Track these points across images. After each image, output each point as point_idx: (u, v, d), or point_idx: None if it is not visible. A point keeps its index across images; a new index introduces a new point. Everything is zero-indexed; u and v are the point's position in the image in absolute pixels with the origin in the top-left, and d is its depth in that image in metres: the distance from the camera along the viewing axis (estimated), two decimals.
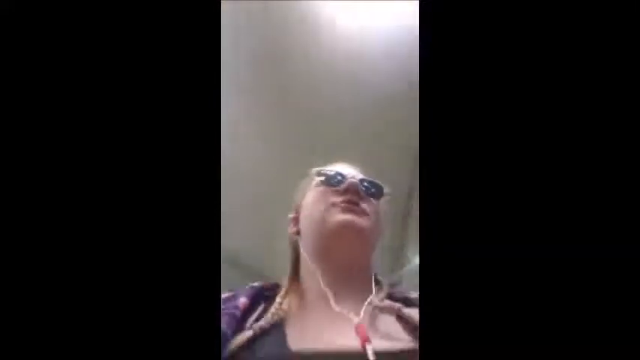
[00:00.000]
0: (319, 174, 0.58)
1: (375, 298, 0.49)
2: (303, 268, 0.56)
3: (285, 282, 0.55)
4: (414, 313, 0.44)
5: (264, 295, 0.52)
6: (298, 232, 0.58)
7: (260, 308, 0.49)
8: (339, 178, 0.56)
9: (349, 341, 0.40)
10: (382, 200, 0.58)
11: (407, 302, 0.48)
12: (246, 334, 0.42)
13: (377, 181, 0.59)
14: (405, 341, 0.42)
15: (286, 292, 0.52)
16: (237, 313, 0.45)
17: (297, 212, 0.60)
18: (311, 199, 0.57)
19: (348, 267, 0.52)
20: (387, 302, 0.47)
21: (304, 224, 0.57)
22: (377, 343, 0.39)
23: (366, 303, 0.47)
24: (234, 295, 0.50)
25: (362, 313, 0.44)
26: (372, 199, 0.56)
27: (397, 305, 0.46)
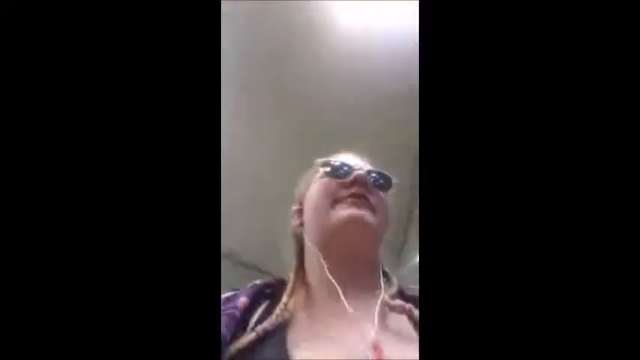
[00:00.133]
0: (325, 164, 0.55)
1: (386, 295, 0.47)
2: (308, 261, 0.54)
3: (291, 276, 0.53)
4: None
5: (265, 293, 0.51)
6: (302, 224, 0.56)
7: (261, 308, 0.48)
8: (346, 169, 0.53)
9: (356, 348, 0.38)
10: (390, 192, 0.56)
11: (415, 302, 0.46)
12: (249, 337, 0.41)
13: (385, 172, 0.56)
14: (415, 341, 0.40)
15: (292, 290, 0.50)
16: (237, 313, 0.44)
17: (301, 204, 0.58)
18: (316, 191, 0.54)
19: (355, 262, 0.51)
20: (399, 302, 0.45)
21: (309, 217, 0.54)
22: (387, 349, 0.38)
23: (379, 302, 0.45)
24: (235, 294, 0.49)
25: (376, 320, 0.41)
26: (380, 191, 0.53)
27: (408, 306, 0.44)
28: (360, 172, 0.52)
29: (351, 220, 0.49)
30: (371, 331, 0.40)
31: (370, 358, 0.37)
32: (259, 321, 0.45)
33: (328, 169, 0.54)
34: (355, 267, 0.51)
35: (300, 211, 0.58)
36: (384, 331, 0.42)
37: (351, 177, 0.51)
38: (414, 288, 0.52)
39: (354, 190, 0.51)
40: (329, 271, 0.49)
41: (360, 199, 0.50)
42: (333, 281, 0.47)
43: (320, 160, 0.57)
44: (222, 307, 0.45)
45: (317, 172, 0.57)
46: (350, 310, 0.43)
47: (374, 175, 0.54)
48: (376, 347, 0.38)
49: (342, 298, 0.44)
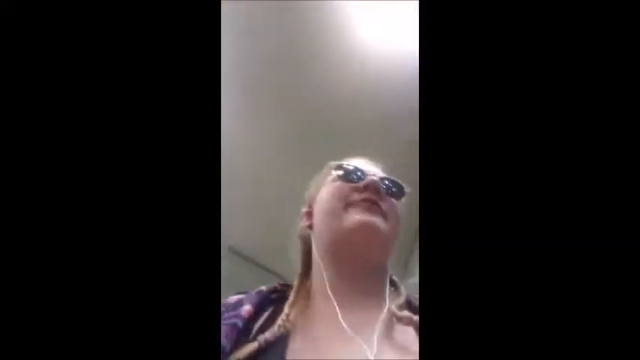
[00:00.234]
0: (337, 168, 0.54)
1: (393, 305, 0.46)
2: (314, 265, 0.53)
3: (295, 283, 0.52)
4: None
5: (270, 299, 0.50)
6: (311, 227, 0.55)
7: (266, 314, 0.47)
8: (359, 174, 0.52)
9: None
10: (402, 200, 0.54)
11: None
12: (250, 347, 0.40)
13: (398, 180, 0.55)
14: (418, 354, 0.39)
15: (295, 298, 0.48)
16: (240, 323, 0.43)
17: (311, 206, 0.57)
18: (327, 194, 0.53)
19: (363, 268, 0.50)
20: (406, 313, 0.44)
21: (318, 220, 0.53)
22: None
23: (382, 315, 0.44)
24: (240, 300, 0.48)
25: (374, 341, 0.40)
26: (392, 198, 0.52)
27: (416, 318, 0.43)
28: (374, 177, 0.51)
29: (363, 226, 0.48)
30: (371, 349, 0.39)
31: None
32: (262, 329, 0.44)
33: (341, 172, 0.53)
34: (363, 274, 0.50)
35: (309, 214, 0.57)
36: (388, 345, 0.41)
37: (364, 182, 0.51)
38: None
39: (366, 195, 0.50)
40: (335, 278, 0.48)
41: (372, 205, 0.49)
42: (333, 299, 0.46)
43: (333, 163, 0.56)
44: (226, 315, 0.44)
45: (329, 174, 0.56)
46: (349, 332, 0.41)
47: (387, 182, 0.53)
48: None
49: (342, 321, 0.43)
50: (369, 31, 1.52)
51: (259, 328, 0.44)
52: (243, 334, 0.42)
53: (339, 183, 0.52)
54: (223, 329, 0.41)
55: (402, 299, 0.48)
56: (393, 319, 0.44)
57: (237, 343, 0.41)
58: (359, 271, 0.49)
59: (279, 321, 0.43)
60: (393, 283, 0.53)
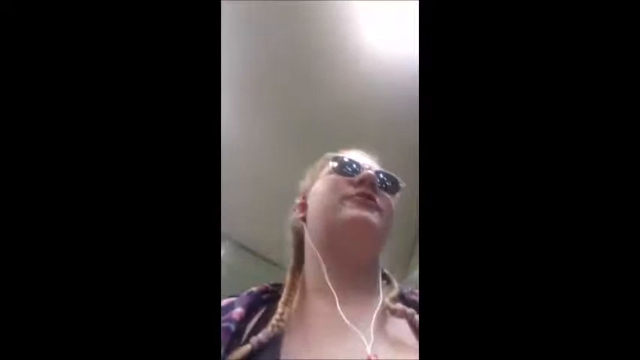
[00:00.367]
0: (333, 160, 0.53)
1: (387, 298, 0.46)
2: (307, 258, 0.53)
3: (287, 279, 0.52)
4: None
5: (261, 300, 0.49)
6: (304, 219, 0.54)
7: (258, 315, 0.46)
8: (355, 167, 0.51)
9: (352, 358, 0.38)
10: (397, 195, 0.54)
11: (416, 306, 0.45)
12: (243, 349, 0.39)
13: (393, 174, 0.54)
14: (414, 348, 0.39)
15: (288, 296, 0.48)
16: (232, 327, 0.43)
17: (305, 198, 0.56)
18: (322, 187, 0.52)
19: (356, 264, 0.50)
20: (400, 306, 0.44)
21: (312, 212, 0.53)
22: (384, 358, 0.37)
23: (377, 308, 0.44)
24: (231, 303, 0.47)
25: (372, 330, 0.41)
26: (386, 193, 0.52)
27: (410, 311, 0.43)
28: (369, 171, 0.51)
29: (357, 221, 0.48)
30: (367, 343, 0.39)
31: None
32: (255, 330, 0.43)
33: (336, 164, 0.52)
34: (356, 268, 0.50)
35: (303, 205, 0.56)
36: (382, 338, 0.41)
37: (360, 176, 0.50)
38: (415, 292, 0.51)
39: (361, 189, 0.49)
40: (328, 274, 0.47)
41: (366, 200, 0.49)
42: (331, 288, 0.45)
43: (329, 155, 0.55)
44: None
45: (324, 166, 0.55)
46: (347, 322, 0.42)
47: (382, 176, 0.53)
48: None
49: (339, 309, 0.43)
50: (370, 31, 1.52)
51: (252, 330, 0.44)
52: (236, 338, 0.42)
53: (334, 176, 0.52)
54: None
55: (395, 292, 0.49)
56: (387, 313, 0.44)
57: (230, 347, 0.40)
58: (351, 266, 0.49)
59: (273, 321, 0.43)
60: (385, 277, 0.54)
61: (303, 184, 0.59)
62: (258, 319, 0.46)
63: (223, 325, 0.42)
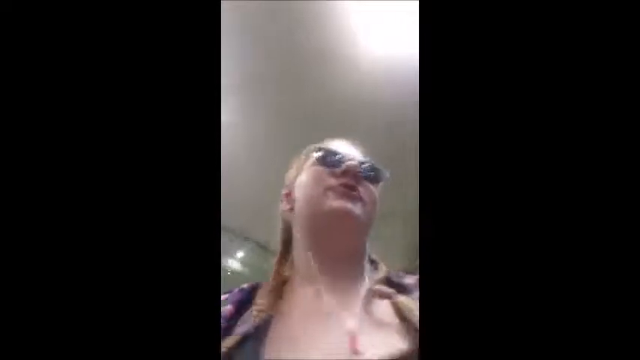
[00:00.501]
0: (317, 150, 0.54)
1: (370, 280, 0.48)
2: (296, 249, 0.54)
3: (273, 269, 0.53)
4: (407, 301, 0.43)
5: (252, 296, 0.50)
6: (292, 210, 0.55)
7: (247, 312, 0.47)
8: (338, 157, 0.52)
9: (336, 343, 0.39)
10: (380, 184, 0.54)
11: (401, 288, 0.47)
12: (228, 340, 0.40)
13: (377, 164, 0.54)
14: (395, 328, 0.41)
15: (273, 286, 0.50)
16: (223, 323, 0.44)
17: (290, 189, 0.57)
18: (306, 178, 0.53)
19: (342, 253, 0.51)
20: (382, 287, 0.45)
21: (299, 204, 0.53)
22: (367, 338, 0.38)
23: (364, 291, 0.46)
24: (222, 300, 0.48)
25: (357, 309, 0.43)
26: (370, 183, 0.52)
27: (390, 291, 0.44)
28: (352, 162, 0.51)
29: (340, 212, 0.48)
30: (348, 321, 0.41)
31: (348, 348, 0.37)
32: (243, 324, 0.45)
33: (320, 155, 0.53)
34: (342, 257, 0.51)
35: (289, 196, 0.57)
36: (366, 320, 0.42)
37: (343, 167, 0.51)
38: (402, 274, 0.51)
39: (344, 180, 0.50)
40: (315, 263, 0.49)
41: (349, 191, 0.49)
42: (319, 278, 0.47)
43: (312, 146, 0.55)
44: None
45: (309, 157, 0.55)
46: (329, 308, 0.43)
47: (366, 166, 0.53)
48: (352, 337, 0.39)
49: (324, 296, 0.45)
50: (370, 31, 1.52)
51: (242, 321, 0.45)
52: (226, 334, 0.43)
53: (318, 167, 0.52)
54: None
55: (380, 275, 0.50)
56: (370, 295, 0.45)
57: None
58: (337, 255, 0.50)
59: (254, 312, 0.44)
60: (373, 262, 0.54)
61: (289, 175, 0.59)
62: (247, 316, 0.47)
63: None
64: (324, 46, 1.58)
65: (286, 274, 0.53)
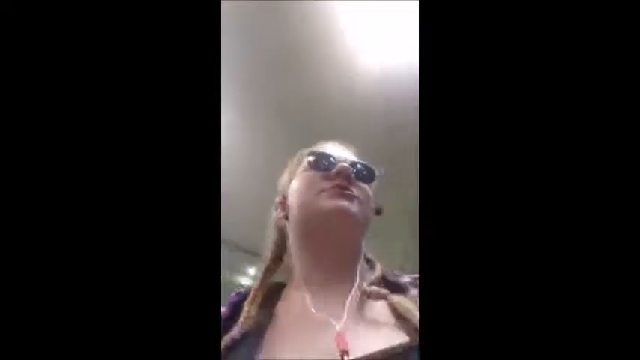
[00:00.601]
0: (308, 155, 0.54)
1: (364, 282, 0.47)
2: (292, 256, 0.54)
3: (260, 274, 0.53)
4: (403, 300, 0.43)
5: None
6: (287, 217, 0.55)
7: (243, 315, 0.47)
8: (330, 160, 0.52)
9: (329, 347, 0.38)
10: (373, 184, 0.55)
11: (396, 287, 0.47)
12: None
13: (369, 164, 0.55)
14: (391, 327, 0.40)
15: (256, 294, 0.50)
16: None
17: (284, 197, 0.57)
18: (299, 184, 0.53)
19: (337, 253, 0.51)
20: (374, 288, 0.45)
21: (293, 210, 0.53)
22: (358, 343, 0.38)
23: (352, 291, 0.46)
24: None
25: (344, 315, 0.42)
26: (363, 183, 0.53)
27: (384, 291, 0.44)
28: (344, 164, 0.51)
29: (335, 211, 0.48)
30: (338, 324, 0.41)
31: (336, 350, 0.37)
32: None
33: (311, 160, 0.53)
34: (339, 259, 0.51)
35: (283, 204, 0.57)
36: (358, 321, 0.42)
37: (335, 170, 0.51)
38: (398, 273, 0.51)
39: (337, 182, 0.50)
40: (312, 266, 0.49)
41: (342, 191, 0.50)
42: (304, 287, 0.47)
43: (304, 151, 0.56)
44: None
45: (300, 162, 0.56)
46: (314, 311, 0.44)
47: (358, 166, 0.53)
48: (339, 336, 0.39)
49: (309, 303, 0.45)
50: (370, 32, 1.52)
51: (234, 328, 0.45)
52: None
53: (310, 173, 0.53)
54: None
55: (375, 275, 0.50)
56: (365, 297, 0.45)
57: None
58: (334, 256, 0.50)
59: (241, 318, 0.45)
60: (368, 262, 0.54)
61: (281, 181, 0.60)
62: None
63: None
64: (325, 46, 1.58)
65: (276, 280, 0.54)
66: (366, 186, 0.53)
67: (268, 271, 0.55)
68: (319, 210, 0.49)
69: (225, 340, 0.41)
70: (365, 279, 0.49)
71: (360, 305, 0.45)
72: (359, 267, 0.51)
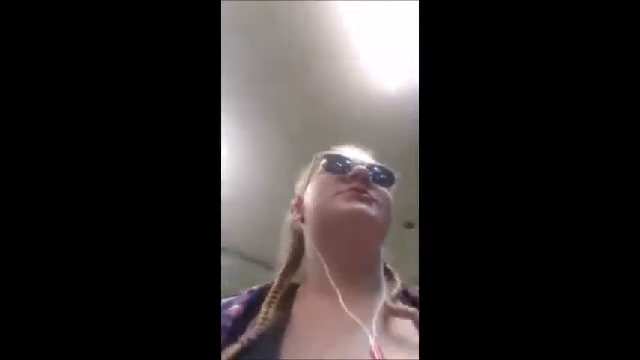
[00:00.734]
0: (324, 158, 0.53)
1: (388, 297, 0.45)
2: (308, 259, 0.52)
3: (277, 278, 0.51)
4: None
5: (262, 298, 0.48)
6: (302, 220, 0.54)
7: (256, 317, 0.45)
8: (347, 163, 0.51)
9: (358, 355, 0.37)
10: (392, 187, 0.53)
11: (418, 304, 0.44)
12: (234, 347, 0.39)
13: (387, 167, 0.54)
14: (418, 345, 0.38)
15: (275, 296, 0.47)
16: (228, 323, 0.42)
17: (300, 199, 0.56)
18: (316, 187, 0.52)
19: (356, 258, 0.49)
20: (402, 306, 0.43)
21: (310, 213, 0.52)
22: (389, 356, 0.36)
23: (380, 306, 0.44)
24: (230, 301, 0.47)
25: (373, 325, 0.40)
26: (381, 186, 0.51)
27: (412, 310, 0.42)
28: (361, 167, 0.50)
29: (352, 214, 0.47)
30: (370, 338, 0.39)
31: None
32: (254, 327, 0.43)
33: (328, 163, 0.52)
34: (356, 264, 0.49)
35: (299, 206, 0.56)
36: (385, 337, 0.41)
37: (352, 172, 0.50)
38: (417, 288, 0.49)
39: (354, 185, 0.49)
40: (329, 273, 0.47)
41: (359, 194, 0.48)
42: (333, 283, 0.45)
43: (320, 154, 0.55)
44: None
45: (316, 166, 0.55)
46: (351, 315, 0.41)
47: (376, 169, 0.52)
48: (377, 348, 0.37)
49: (341, 302, 0.43)
50: (371, 32, 1.52)
51: (251, 326, 0.43)
52: (232, 335, 0.42)
53: (326, 175, 0.52)
54: None
55: (397, 289, 0.48)
56: (389, 313, 0.43)
57: (227, 344, 0.40)
58: (352, 261, 0.49)
59: (259, 319, 0.43)
60: (387, 272, 0.53)
61: (298, 185, 0.59)
62: (256, 320, 0.45)
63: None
64: (325, 46, 1.58)
65: (292, 282, 0.52)
66: (385, 189, 0.52)
67: (285, 273, 0.53)
68: (335, 212, 0.48)
69: (242, 340, 0.40)
70: (386, 291, 0.47)
71: (386, 319, 0.43)
72: (383, 277, 0.49)
